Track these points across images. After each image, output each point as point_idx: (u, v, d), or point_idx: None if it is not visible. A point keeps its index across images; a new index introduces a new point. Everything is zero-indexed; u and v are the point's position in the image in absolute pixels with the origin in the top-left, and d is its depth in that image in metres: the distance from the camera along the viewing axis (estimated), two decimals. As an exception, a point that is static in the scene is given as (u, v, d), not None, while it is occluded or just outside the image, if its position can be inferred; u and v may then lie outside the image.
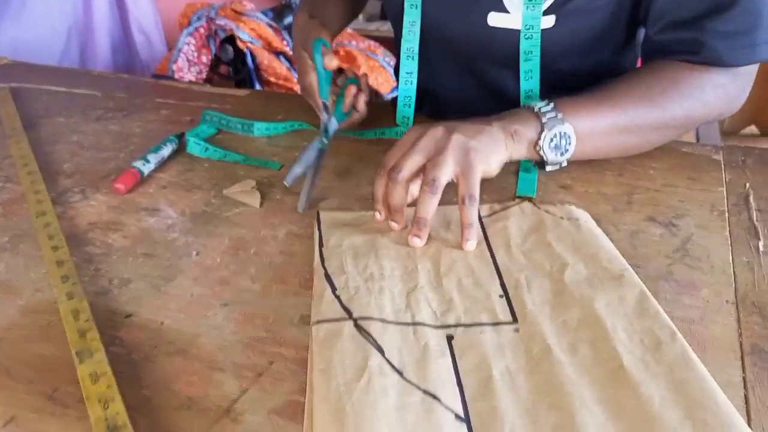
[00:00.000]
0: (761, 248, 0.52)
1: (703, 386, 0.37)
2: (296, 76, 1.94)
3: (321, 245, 0.53)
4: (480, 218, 0.55)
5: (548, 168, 0.61)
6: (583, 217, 0.54)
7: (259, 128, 0.73)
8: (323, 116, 0.68)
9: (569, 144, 0.58)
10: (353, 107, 0.71)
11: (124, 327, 0.47)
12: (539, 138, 0.57)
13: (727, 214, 0.57)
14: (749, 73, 0.61)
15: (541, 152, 0.58)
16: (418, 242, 0.51)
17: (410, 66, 0.71)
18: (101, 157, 0.71)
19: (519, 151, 0.58)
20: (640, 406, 0.36)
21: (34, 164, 0.68)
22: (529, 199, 0.56)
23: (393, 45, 0.85)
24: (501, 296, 0.46)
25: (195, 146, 0.70)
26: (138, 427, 0.38)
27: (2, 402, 0.41)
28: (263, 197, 0.62)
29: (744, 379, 0.41)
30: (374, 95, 1.91)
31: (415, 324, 0.44)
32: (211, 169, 0.68)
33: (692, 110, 0.60)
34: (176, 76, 1.92)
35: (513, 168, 0.63)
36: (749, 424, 0.38)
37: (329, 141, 0.66)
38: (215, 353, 0.44)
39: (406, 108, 0.72)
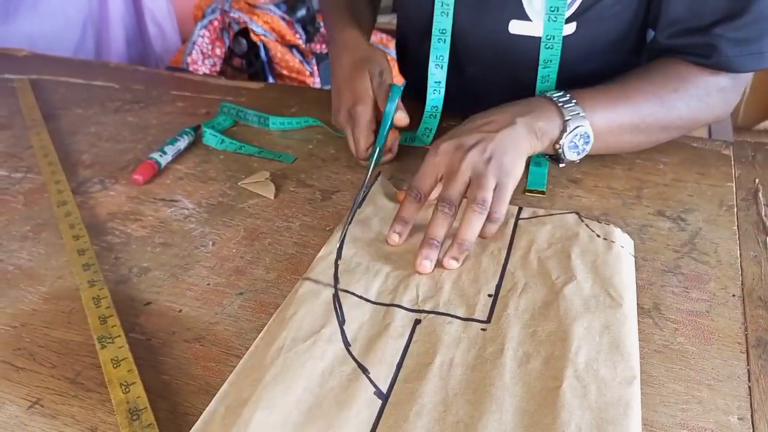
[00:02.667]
0: (769, 243, 0.53)
1: None
2: (309, 69, 1.95)
3: (359, 205, 0.57)
4: (517, 219, 0.55)
5: (561, 165, 0.61)
6: (624, 241, 0.51)
7: (275, 122, 0.74)
8: (372, 158, 0.62)
9: (587, 144, 0.58)
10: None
11: (143, 314, 0.48)
12: (560, 137, 0.57)
13: (735, 209, 0.57)
14: (747, 79, 0.62)
15: (560, 150, 0.58)
16: (454, 264, 0.50)
17: (439, 75, 0.70)
18: (119, 148, 0.72)
19: (539, 148, 0.57)
20: (551, 428, 0.36)
21: (54, 155, 0.69)
22: (577, 213, 0.55)
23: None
24: (489, 296, 0.47)
25: (211, 138, 0.71)
26: (158, 410, 0.39)
27: (27, 385, 0.42)
28: (277, 189, 0.63)
29: (748, 371, 0.41)
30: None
31: (390, 305, 0.47)
32: (226, 160, 0.69)
33: (697, 111, 0.61)
34: (191, 68, 1.93)
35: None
36: (752, 416, 0.38)
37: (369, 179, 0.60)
38: (232, 340, 0.45)
39: (432, 119, 0.70)
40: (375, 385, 0.40)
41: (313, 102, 0.80)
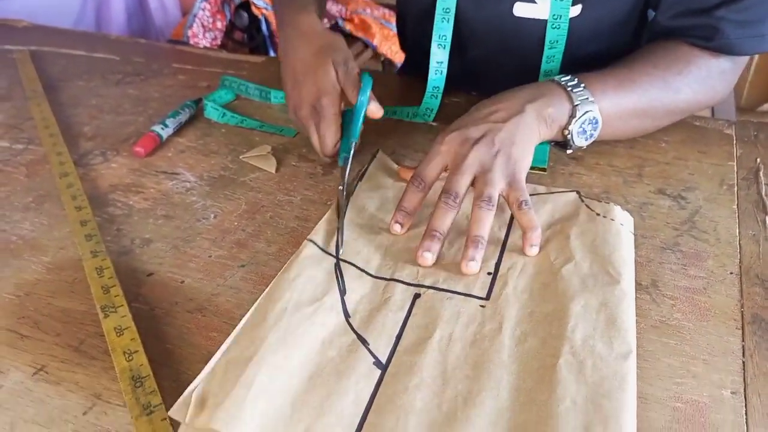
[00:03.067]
0: (768, 222, 0.53)
1: (619, 410, 0.36)
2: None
3: (360, 179, 0.58)
4: None
5: (569, 151, 0.60)
6: (624, 219, 0.51)
7: (276, 96, 0.74)
8: (344, 160, 0.57)
9: (595, 129, 0.57)
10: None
11: (145, 285, 0.49)
12: (569, 123, 0.56)
13: (736, 188, 0.57)
14: (745, 61, 0.62)
15: (569, 136, 0.56)
16: (474, 267, 0.47)
17: (441, 55, 0.68)
18: (121, 120, 0.72)
19: (548, 134, 0.56)
20: (547, 404, 0.37)
21: (56, 127, 0.69)
22: (577, 192, 0.55)
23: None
24: (489, 274, 0.47)
25: (213, 111, 0.71)
26: (160, 377, 0.40)
27: (32, 352, 0.43)
28: (279, 163, 0.63)
29: (743, 347, 0.42)
30: (388, 64, 1.90)
31: (390, 279, 0.47)
32: (228, 134, 0.69)
33: (700, 94, 0.60)
34: (191, 41, 1.91)
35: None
36: (745, 390, 0.39)
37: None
38: (233, 311, 0.46)
39: (433, 99, 0.70)
40: (374, 356, 0.41)
41: (315, 76, 0.80)
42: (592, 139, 0.58)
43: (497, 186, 0.50)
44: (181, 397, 0.37)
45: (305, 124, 0.60)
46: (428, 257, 0.48)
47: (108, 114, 0.74)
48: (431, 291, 0.46)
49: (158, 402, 0.38)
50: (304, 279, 0.45)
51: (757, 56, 2.24)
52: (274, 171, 0.62)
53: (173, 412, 0.36)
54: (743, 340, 0.42)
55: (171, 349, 0.43)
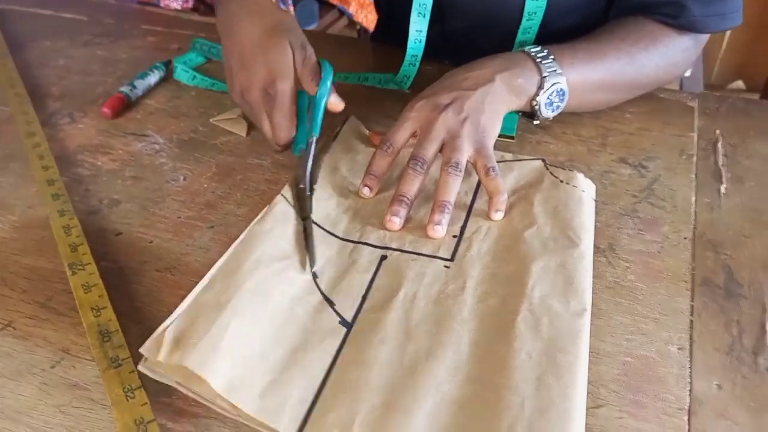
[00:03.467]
0: (723, 191, 0.55)
1: (573, 363, 0.38)
2: (283, 7, 1.90)
3: (334, 138, 0.58)
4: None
5: (536, 122, 0.61)
6: (585, 186, 0.53)
7: (247, 59, 0.73)
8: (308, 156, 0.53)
9: (562, 101, 0.58)
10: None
11: (114, 244, 0.49)
12: (537, 94, 0.57)
13: (695, 158, 0.59)
14: (705, 40, 0.64)
15: (537, 107, 0.57)
16: (440, 231, 0.48)
17: (421, 24, 0.68)
18: (89, 81, 0.71)
19: (516, 105, 0.57)
20: (504, 356, 0.39)
21: (21, 86, 0.68)
22: (543, 160, 0.56)
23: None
24: (454, 237, 0.49)
25: (183, 73, 0.70)
26: (129, 333, 0.41)
27: (-1, 308, 0.43)
28: (250, 126, 0.63)
29: (692, 307, 0.44)
30: (363, 32, 1.88)
31: (358, 242, 0.48)
32: (199, 97, 0.68)
33: (662, 70, 0.62)
34: (162, 3, 1.87)
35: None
36: (691, 346, 0.41)
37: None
38: (202, 270, 0.46)
39: (411, 67, 0.70)
40: (340, 316, 0.42)
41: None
42: (559, 111, 0.59)
43: (465, 152, 0.51)
44: (153, 335, 0.38)
45: (255, 110, 0.55)
46: (396, 221, 0.49)
47: (76, 75, 0.72)
48: (397, 253, 0.47)
49: (126, 356, 0.38)
50: (276, 234, 0.46)
51: (728, 34, 2.27)
52: (244, 134, 0.62)
53: (144, 349, 0.37)
54: (692, 301, 0.44)
55: (140, 306, 0.44)
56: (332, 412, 0.36)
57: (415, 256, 0.47)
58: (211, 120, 0.64)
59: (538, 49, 0.58)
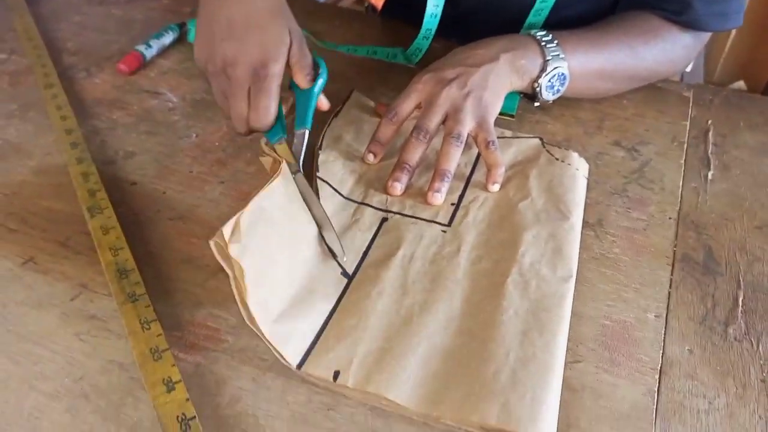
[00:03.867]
0: (710, 177, 0.58)
1: (555, 322, 0.41)
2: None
3: (335, 116, 0.59)
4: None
5: (536, 104, 0.63)
6: (579, 165, 0.55)
7: (259, 26, 0.75)
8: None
9: (562, 85, 0.60)
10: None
11: (129, 193, 0.51)
12: (539, 76, 0.58)
13: (686, 146, 0.62)
14: (705, 39, 0.66)
15: (538, 89, 0.59)
16: (439, 198, 0.51)
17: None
18: (104, 39, 0.73)
19: (519, 85, 0.59)
20: (493, 313, 0.42)
21: (39, 39, 0.70)
22: (540, 139, 0.58)
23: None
24: (452, 204, 0.51)
25: (196, 37, 0.72)
26: (144, 274, 0.43)
27: (20, 244, 0.46)
28: (260, 91, 0.65)
29: (671, 280, 0.47)
30: (371, 11, 1.89)
31: (361, 203, 0.51)
32: (211, 60, 0.70)
33: (661, 65, 0.64)
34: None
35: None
36: (666, 315, 0.44)
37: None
38: (213, 221, 0.49)
39: (424, 40, 0.71)
40: (342, 267, 0.45)
41: (300, 9, 0.81)
42: (559, 94, 0.61)
43: (467, 125, 0.53)
44: (228, 224, 0.40)
45: (234, 87, 0.50)
46: (398, 187, 0.51)
47: (91, 32, 0.74)
48: (398, 216, 0.50)
49: (142, 292, 0.41)
50: (292, 187, 0.48)
51: (732, 35, 2.29)
52: (255, 98, 0.64)
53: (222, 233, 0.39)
54: (672, 274, 0.47)
55: (153, 251, 0.46)
56: (332, 351, 0.39)
57: (414, 219, 0.50)
58: (223, 82, 0.66)
59: (544, 33, 0.60)
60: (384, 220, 0.49)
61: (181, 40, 0.73)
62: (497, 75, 0.56)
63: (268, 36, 0.51)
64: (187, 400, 0.36)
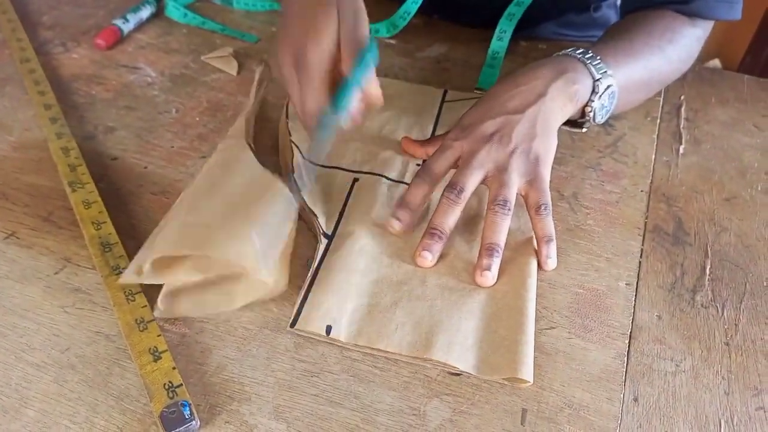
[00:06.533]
0: (681, 151, 0.60)
1: (525, 276, 0.44)
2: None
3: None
4: (443, 102, 0.60)
5: (583, 130, 0.56)
6: None
7: (239, 2, 0.75)
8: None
9: (611, 104, 0.53)
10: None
11: (111, 168, 0.52)
12: (591, 99, 0.52)
13: (659, 120, 0.63)
14: (709, 31, 0.62)
15: (591, 113, 0.52)
16: (489, 277, 0.43)
17: None
18: (80, 12, 0.72)
19: (570, 113, 0.52)
20: (467, 266, 0.45)
21: (13, 12, 0.69)
22: None
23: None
24: (417, 165, 0.53)
25: (174, 11, 0.72)
26: (127, 247, 0.44)
27: (2, 219, 0.46)
28: (240, 66, 0.65)
29: (642, 250, 0.49)
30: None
31: (332, 167, 0.52)
32: (189, 35, 0.70)
33: (683, 63, 0.61)
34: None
35: (477, 62, 0.68)
36: (637, 283, 0.46)
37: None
38: (195, 195, 0.49)
39: (413, 4, 0.70)
40: (321, 228, 0.46)
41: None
42: (609, 115, 0.55)
43: (514, 186, 0.46)
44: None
45: (286, 76, 0.47)
46: (428, 257, 0.44)
47: (66, 5, 0.73)
48: (367, 175, 0.51)
49: (126, 264, 0.41)
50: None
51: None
52: (235, 73, 0.64)
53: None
54: (643, 245, 0.49)
55: (136, 224, 0.47)
56: (322, 308, 0.40)
57: (382, 179, 0.51)
58: (202, 57, 0.66)
59: (581, 51, 0.53)
60: (355, 180, 0.51)
61: (158, 14, 0.72)
62: (546, 115, 0.49)
63: (311, 18, 0.46)
64: (174, 368, 0.37)
